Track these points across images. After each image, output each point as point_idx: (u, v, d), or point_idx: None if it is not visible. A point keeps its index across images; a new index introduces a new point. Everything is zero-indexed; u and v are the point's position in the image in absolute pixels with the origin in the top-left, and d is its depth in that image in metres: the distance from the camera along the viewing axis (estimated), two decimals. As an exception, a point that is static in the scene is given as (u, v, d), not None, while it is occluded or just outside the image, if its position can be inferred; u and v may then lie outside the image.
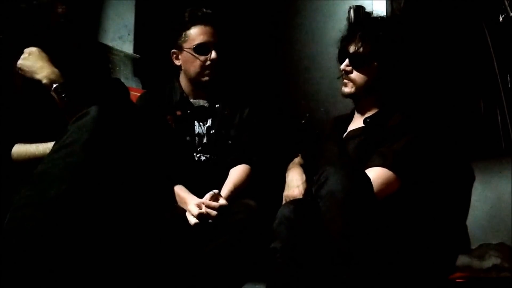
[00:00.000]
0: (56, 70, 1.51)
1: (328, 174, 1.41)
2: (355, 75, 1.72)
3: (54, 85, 1.49)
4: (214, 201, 1.75)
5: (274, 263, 1.46)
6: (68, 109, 1.49)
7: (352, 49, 1.71)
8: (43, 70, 1.50)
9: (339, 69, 1.75)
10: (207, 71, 1.93)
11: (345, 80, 1.74)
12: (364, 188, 1.44)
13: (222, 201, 1.75)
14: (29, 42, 1.55)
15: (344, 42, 1.75)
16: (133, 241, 1.51)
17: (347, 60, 1.72)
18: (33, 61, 1.52)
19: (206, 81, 1.94)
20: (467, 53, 2.21)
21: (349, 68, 1.72)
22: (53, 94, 1.49)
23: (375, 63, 1.70)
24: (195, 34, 1.92)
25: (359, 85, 1.72)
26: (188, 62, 1.95)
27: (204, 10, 1.93)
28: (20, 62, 1.52)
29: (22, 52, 1.53)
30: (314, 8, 2.55)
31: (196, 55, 1.91)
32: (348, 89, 1.74)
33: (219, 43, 1.93)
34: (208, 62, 1.91)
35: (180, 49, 1.95)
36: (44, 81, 1.50)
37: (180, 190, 1.86)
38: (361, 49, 1.69)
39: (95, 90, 1.59)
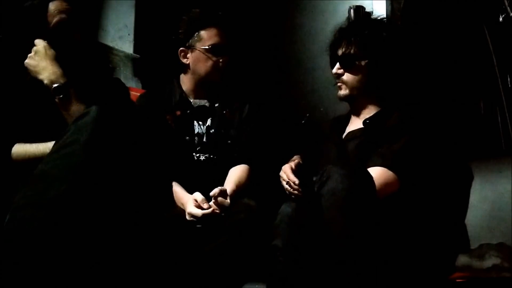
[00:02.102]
0: (58, 70, 1.51)
1: (330, 172, 1.41)
2: (346, 76, 1.74)
3: (54, 86, 1.49)
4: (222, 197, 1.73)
5: (275, 261, 1.46)
6: (67, 109, 1.49)
7: (340, 52, 1.74)
8: (45, 71, 1.51)
9: (333, 75, 1.77)
10: (218, 72, 1.95)
11: (338, 84, 1.76)
12: (366, 187, 1.44)
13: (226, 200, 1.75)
14: (29, 42, 1.55)
15: (333, 47, 1.78)
16: (133, 241, 1.51)
17: (337, 64, 1.74)
18: (37, 61, 1.52)
19: (214, 81, 1.97)
20: (467, 53, 2.21)
21: (340, 71, 1.74)
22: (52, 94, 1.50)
23: (365, 62, 1.71)
24: (211, 34, 1.93)
25: (352, 86, 1.74)
26: (199, 62, 1.95)
27: (220, 12, 1.95)
28: (26, 62, 1.53)
29: (22, 52, 1.53)
30: (314, 8, 2.55)
31: (209, 55, 1.93)
32: (342, 91, 1.76)
33: (232, 46, 1.95)
34: (220, 64, 1.94)
35: (191, 48, 1.96)
36: (45, 81, 1.50)
37: (176, 187, 1.86)
38: (348, 50, 1.72)
39: (95, 90, 1.59)
